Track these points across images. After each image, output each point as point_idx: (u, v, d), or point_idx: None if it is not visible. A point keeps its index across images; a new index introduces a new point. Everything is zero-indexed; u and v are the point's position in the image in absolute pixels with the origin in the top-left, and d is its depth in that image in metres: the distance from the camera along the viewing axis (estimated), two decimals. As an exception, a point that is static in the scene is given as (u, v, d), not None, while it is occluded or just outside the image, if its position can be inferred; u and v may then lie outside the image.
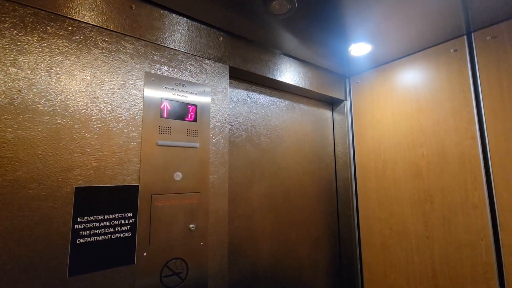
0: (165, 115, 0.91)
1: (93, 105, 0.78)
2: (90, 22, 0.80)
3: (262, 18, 1.03)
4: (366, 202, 1.46)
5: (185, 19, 1.00)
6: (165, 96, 0.92)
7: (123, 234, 0.79)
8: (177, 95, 0.95)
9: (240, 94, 1.25)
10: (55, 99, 0.72)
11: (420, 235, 1.22)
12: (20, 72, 0.68)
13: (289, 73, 1.33)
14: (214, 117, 1.03)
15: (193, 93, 0.98)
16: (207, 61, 1.05)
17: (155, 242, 0.84)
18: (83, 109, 0.76)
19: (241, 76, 1.23)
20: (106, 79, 0.81)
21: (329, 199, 1.56)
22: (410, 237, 1.26)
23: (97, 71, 0.80)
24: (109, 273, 0.76)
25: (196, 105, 0.98)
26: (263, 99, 1.34)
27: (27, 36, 0.70)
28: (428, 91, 1.24)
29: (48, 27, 0.73)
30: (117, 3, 0.85)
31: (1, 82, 0.66)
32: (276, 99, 1.39)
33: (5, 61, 0.67)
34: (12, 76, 0.67)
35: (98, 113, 0.78)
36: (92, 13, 0.81)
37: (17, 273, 0.64)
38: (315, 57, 1.37)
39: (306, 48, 1.27)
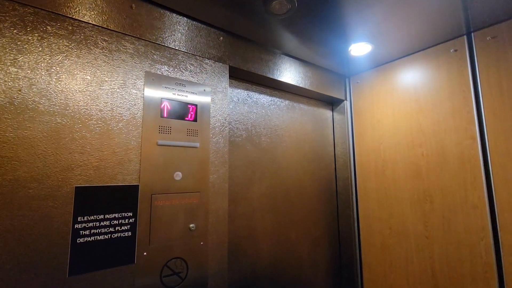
0: (165, 115, 0.91)
1: (93, 105, 0.78)
2: (90, 22, 0.80)
3: (262, 18, 1.03)
4: (366, 202, 1.46)
5: (185, 18, 1.00)
6: (165, 95, 0.92)
7: (123, 234, 0.79)
8: (177, 94, 0.95)
9: (241, 94, 1.25)
10: (55, 98, 0.72)
11: (420, 235, 1.22)
12: (20, 71, 0.68)
13: (289, 73, 1.33)
14: (214, 116, 1.03)
15: (193, 93, 0.98)
16: (207, 61, 1.05)
17: (155, 242, 0.84)
18: (83, 108, 0.76)
19: (241, 76, 1.23)
20: (106, 79, 0.81)
21: (329, 199, 1.56)
22: (410, 237, 1.26)
23: (97, 71, 0.80)
24: (109, 273, 0.76)
25: (196, 105, 0.98)
26: (263, 99, 1.34)
27: (27, 36, 0.70)
28: (428, 91, 1.24)
29: (48, 27, 0.73)
30: (117, 3, 0.85)
31: (1, 81, 0.66)
32: (276, 99, 1.39)
33: (5, 61, 0.67)
34: (12, 76, 0.67)
35: (98, 113, 0.78)
36: (92, 13, 0.80)
37: (17, 273, 0.64)
38: (315, 57, 1.37)
39: (306, 48, 1.27)
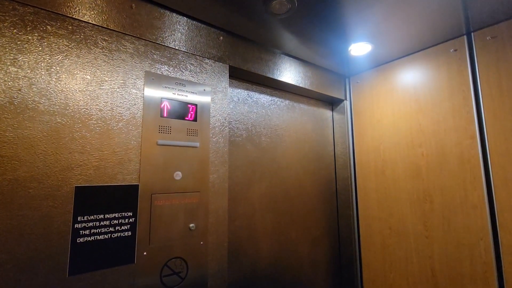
0: (165, 115, 0.91)
1: (93, 104, 0.78)
2: (90, 21, 0.80)
3: (262, 18, 1.03)
4: (366, 201, 1.46)
5: (185, 18, 1.00)
6: (165, 95, 0.92)
7: (123, 234, 0.79)
8: (177, 94, 0.95)
9: (241, 93, 1.25)
10: (55, 98, 0.72)
11: (420, 234, 1.22)
12: (20, 71, 0.68)
13: (289, 73, 1.33)
14: (214, 116, 1.03)
15: (193, 93, 0.98)
16: (207, 61, 1.05)
17: (155, 242, 0.84)
18: (83, 108, 0.76)
19: (241, 76, 1.23)
20: (106, 78, 0.81)
21: (329, 199, 1.56)
22: (409, 237, 1.26)
23: (97, 70, 0.80)
24: (109, 273, 0.76)
25: (196, 105, 0.98)
26: (264, 99, 1.34)
27: (27, 35, 0.70)
28: (428, 91, 1.24)
29: (48, 26, 0.73)
30: (117, 3, 0.85)
31: (1, 81, 0.66)
32: (276, 99, 1.39)
33: (5, 60, 0.67)
34: (12, 75, 0.67)
35: (98, 113, 0.78)
36: (92, 12, 0.80)
37: (17, 273, 0.64)
38: (315, 57, 1.37)
39: (306, 48, 1.27)
